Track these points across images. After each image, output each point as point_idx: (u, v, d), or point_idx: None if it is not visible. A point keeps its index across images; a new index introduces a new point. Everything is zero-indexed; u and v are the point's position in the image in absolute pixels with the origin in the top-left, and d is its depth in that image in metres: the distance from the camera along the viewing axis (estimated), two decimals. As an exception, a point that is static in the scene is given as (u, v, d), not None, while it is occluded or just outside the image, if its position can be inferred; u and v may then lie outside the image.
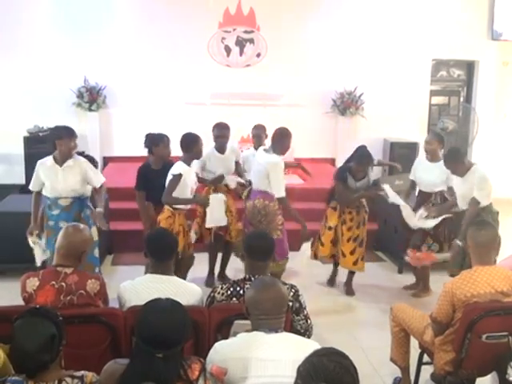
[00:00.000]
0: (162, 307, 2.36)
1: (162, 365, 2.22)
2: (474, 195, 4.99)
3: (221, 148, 5.87)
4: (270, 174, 5.20)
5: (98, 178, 5.16)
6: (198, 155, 5.29)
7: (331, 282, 6.21)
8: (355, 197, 5.69)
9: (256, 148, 6.00)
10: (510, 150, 10.29)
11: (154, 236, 3.73)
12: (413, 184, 5.96)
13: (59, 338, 2.34)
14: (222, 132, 5.86)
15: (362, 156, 5.73)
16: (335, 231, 5.83)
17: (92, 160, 5.60)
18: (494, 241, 3.54)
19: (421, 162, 5.95)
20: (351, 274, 6.03)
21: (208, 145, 5.85)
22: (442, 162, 5.53)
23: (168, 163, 5.29)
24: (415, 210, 5.67)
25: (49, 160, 4.97)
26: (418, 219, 5.56)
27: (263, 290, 2.61)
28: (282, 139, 5.27)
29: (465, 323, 3.31)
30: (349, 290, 6.01)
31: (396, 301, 4.67)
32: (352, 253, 5.79)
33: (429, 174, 5.73)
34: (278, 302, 2.59)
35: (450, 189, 5.56)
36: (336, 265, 6.11)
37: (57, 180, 4.94)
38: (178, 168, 5.05)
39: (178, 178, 4.98)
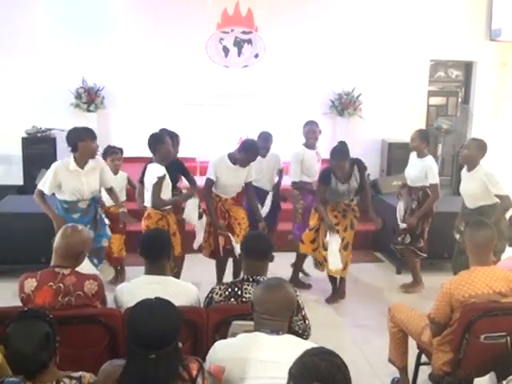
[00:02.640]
0: (150, 307, 2.35)
1: (156, 366, 2.21)
2: (495, 193, 5.06)
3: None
4: None
5: (111, 178, 5.29)
6: (164, 156, 4.98)
7: (331, 300, 5.83)
8: (324, 218, 5.57)
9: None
10: (508, 151, 10.29)
11: (148, 237, 3.73)
12: None
13: (54, 336, 2.35)
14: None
15: (335, 151, 5.46)
16: (317, 233, 5.69)
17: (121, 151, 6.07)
18: (492, 241, 3.55)
19: (412, 158, 6.08)
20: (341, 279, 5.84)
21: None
22: (426, 158, 5.84)
23: (175, 160, 5.24)
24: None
25: (70, 164, 4.83)
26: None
27: (270, 290, 2.59)
28: None
29: (463, 324, 3.32)
30: (340, 291, 5.84)
31: (394, 301, 4.67)
32: None
33: (413, 169, 5.94)
34: (284, 304, 2.56)
35: (432, 186, 5.77)
36: (333, 280, 5.83)
37: (81, 183, 4.87)
38: (158, 170, 4.88)
39: (162, 179, 4.86)
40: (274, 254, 5.53)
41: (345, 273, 5.72)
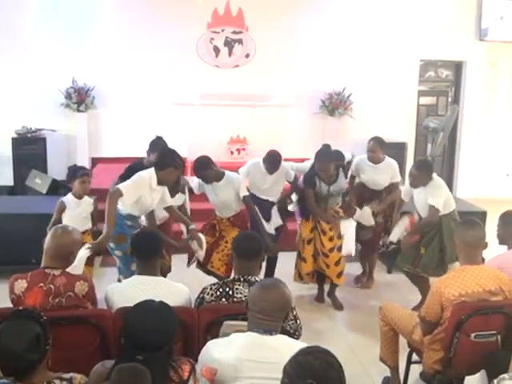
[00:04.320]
0: (150, 310, 2.35)
1: (145, 367, 2.19)
2: (429, 202, 5.12)
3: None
4: None
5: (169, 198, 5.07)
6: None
7: (320, 298, 5.83)
8: (323, 218, 5.49)
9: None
10: (497, 150, 10.35)
11: (140, 237, 3.72)
12: (352, 180, 6.22)
13: (45, 338, 2.34)
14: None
15: (320, 154, 5.42)
16: (314, 244, 5.55)
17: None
18: (482, 240, 3.57)
19: (365, 163, 6.09)
20: (333, 286, 5.75)
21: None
22: (384, 162, 6.01)
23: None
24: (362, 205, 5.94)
25: (154, 182, 4.58)
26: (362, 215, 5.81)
27: (266, 289, 2.60)
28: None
29: (453, 322, 3.33)
30: (336, 304, 5.72)
31: (385, 300, 4.68)
32: (337, 264, 5.50)
33: (377, 174, 6.04)
34: (279, 304, 2.56)
35: (396, 184, 6.03)
36: (321, 279, 5.76)
37: (152, 201, 4.67)
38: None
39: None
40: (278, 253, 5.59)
41: (341, 281, 5.64)
